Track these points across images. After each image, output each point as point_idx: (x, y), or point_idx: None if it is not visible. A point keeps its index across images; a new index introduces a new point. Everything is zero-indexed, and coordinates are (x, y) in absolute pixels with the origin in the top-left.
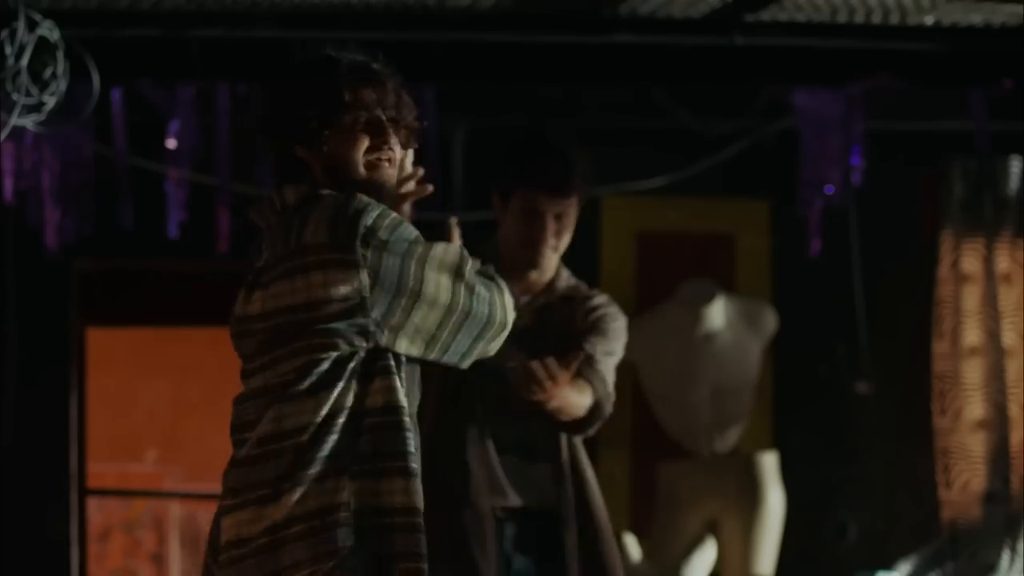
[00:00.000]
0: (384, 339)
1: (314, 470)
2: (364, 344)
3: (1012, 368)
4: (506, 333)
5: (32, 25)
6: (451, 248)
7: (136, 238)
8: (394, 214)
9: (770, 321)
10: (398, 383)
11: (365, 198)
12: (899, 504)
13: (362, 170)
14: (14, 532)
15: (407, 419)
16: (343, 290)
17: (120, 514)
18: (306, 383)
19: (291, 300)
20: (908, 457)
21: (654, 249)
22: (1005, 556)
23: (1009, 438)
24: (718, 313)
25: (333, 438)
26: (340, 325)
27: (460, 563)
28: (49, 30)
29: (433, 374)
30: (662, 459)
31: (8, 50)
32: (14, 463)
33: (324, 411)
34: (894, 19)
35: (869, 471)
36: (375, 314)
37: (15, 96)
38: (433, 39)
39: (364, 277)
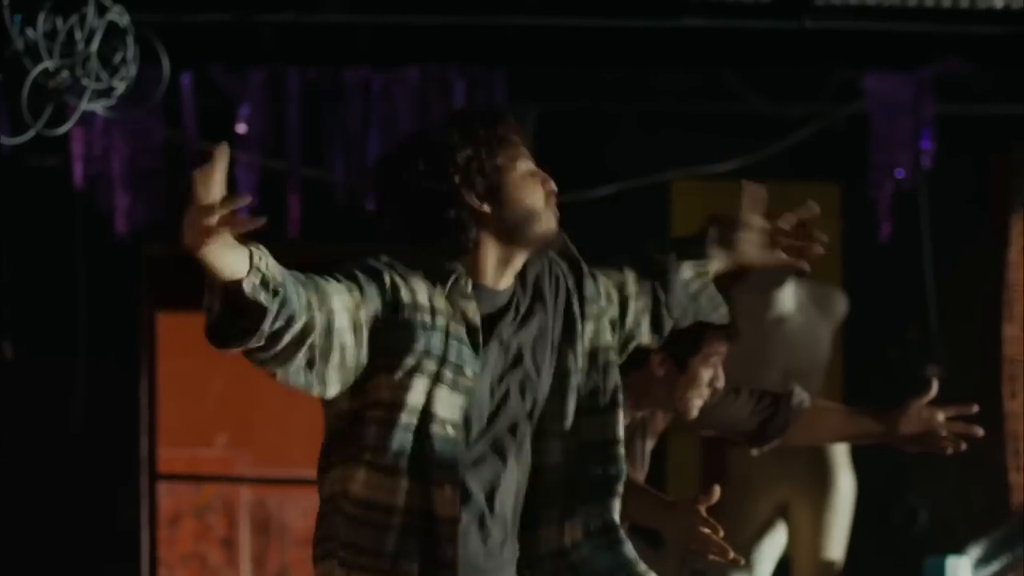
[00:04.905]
0: None
1: None
2: None
3: None
4: None
5: (102, 10)
6: None
7: None
8: None
9: (841, 305)
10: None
11: None
12: (969, 488)
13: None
14: (85, 516)
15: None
16: None
17: (190, 499)
18: None
19: None
20: (978, 441)
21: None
22: None
23: None
24: (788, 297)
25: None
26: None
27: None
28: (119, 15)
29: None
30: (731, 444)
31: (78, 35)
32: (85, 448)
33: None
34: (964, 2)
35: (939, 455)
36: None
37: (85, 81)
38: (503, 23)
39: None
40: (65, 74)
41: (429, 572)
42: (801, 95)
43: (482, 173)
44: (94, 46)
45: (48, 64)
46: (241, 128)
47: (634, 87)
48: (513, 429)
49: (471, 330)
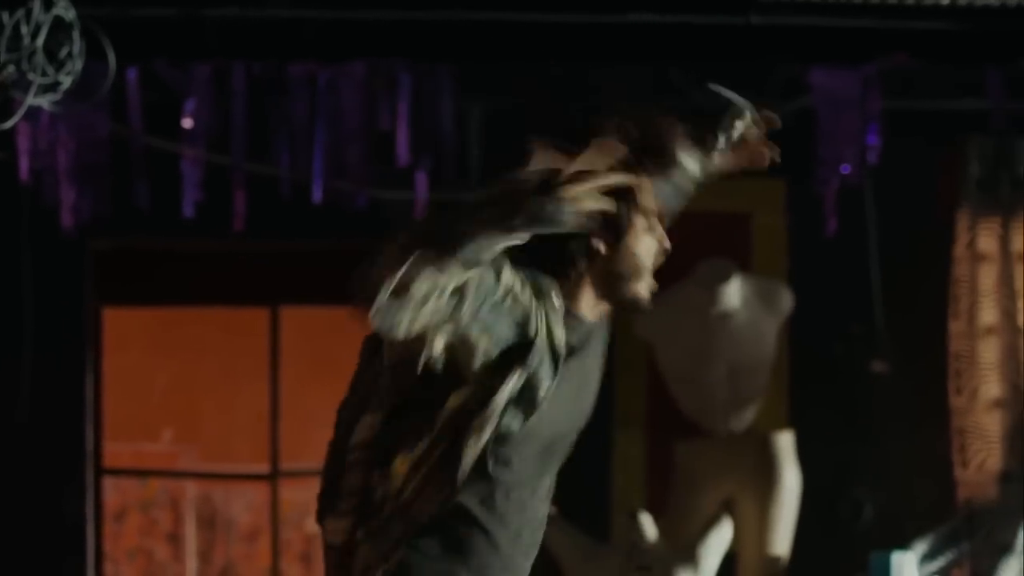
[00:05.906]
0: None
1: None
2: None
3: None
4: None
5: (48, 5)
6: None
7: (152, 218)
8: None
9: (786, 300)
10: None
11: None
12: (915, 483)
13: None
14: (30, 511)
15: None
16: None
17: (136, 494)
18: None
19: None
20: (924, 436)
21: (670, 228)
22: (1021, 536)
23: None
24: (734, 292)
25: None
26: None
27: None
28: (65, 9)
29: None
30: (678, 438)
31: (24, 30)
32: (30, 442)
33: None
34: None
35: (885, 450)
36: None
37: (31, 76)
38: (451, 19)
39: None
40: (11, 69)
41: None
42: (747, 91)
43: (615, 216)
44: (40, 41)
45: None
46: (186, 123)
47: (581, 83)
48: (557, 455)
49: (555, 352)
